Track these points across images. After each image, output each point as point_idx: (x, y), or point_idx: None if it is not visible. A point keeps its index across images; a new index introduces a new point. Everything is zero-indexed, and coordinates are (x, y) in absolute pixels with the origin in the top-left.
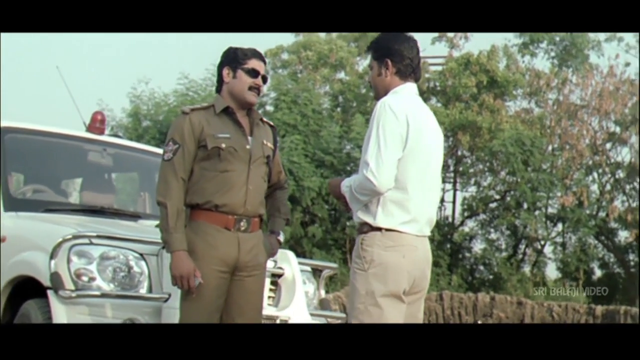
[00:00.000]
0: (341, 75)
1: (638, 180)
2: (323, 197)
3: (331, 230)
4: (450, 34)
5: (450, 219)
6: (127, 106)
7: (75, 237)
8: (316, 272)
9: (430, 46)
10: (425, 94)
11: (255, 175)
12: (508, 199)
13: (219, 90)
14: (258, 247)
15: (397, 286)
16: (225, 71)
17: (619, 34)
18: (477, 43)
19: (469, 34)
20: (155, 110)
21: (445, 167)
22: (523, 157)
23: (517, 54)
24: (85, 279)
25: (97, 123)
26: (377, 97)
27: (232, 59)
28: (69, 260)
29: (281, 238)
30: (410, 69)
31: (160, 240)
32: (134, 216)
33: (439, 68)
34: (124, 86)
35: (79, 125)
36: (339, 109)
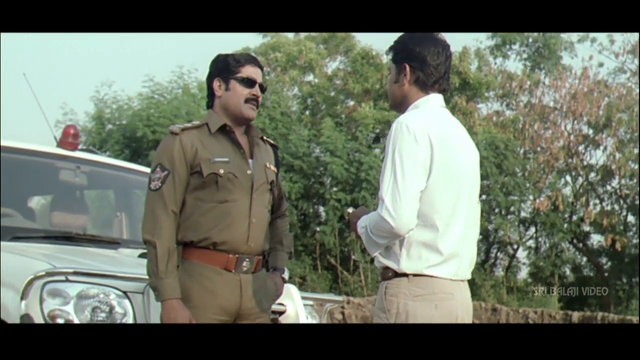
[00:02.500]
0: (310, 77)
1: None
2: (292, 202)
3: (301, 237)
4: None
5: None
6: (91, 110)
7: (49, 274)
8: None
9: None
10: None
11: (258, 206)
12: (479, 203)
13: (210, 105)
14: (262, 291)
15: None
16: (216, 83)
17: (592, 34)
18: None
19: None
20: (119, 114)
21: None
22: (497, 161)
23: (489, 56)
24: (60, 321)
25: (69, 138)
26: (393, 106)
27: (223, 68)
28: (41, 301)
29: (286, 276)
30: (433, 79)
31: (146, 276)
32: (113, 243)
33: None
34: (88, 89)
35: (47, 137)
36: (307, 112)
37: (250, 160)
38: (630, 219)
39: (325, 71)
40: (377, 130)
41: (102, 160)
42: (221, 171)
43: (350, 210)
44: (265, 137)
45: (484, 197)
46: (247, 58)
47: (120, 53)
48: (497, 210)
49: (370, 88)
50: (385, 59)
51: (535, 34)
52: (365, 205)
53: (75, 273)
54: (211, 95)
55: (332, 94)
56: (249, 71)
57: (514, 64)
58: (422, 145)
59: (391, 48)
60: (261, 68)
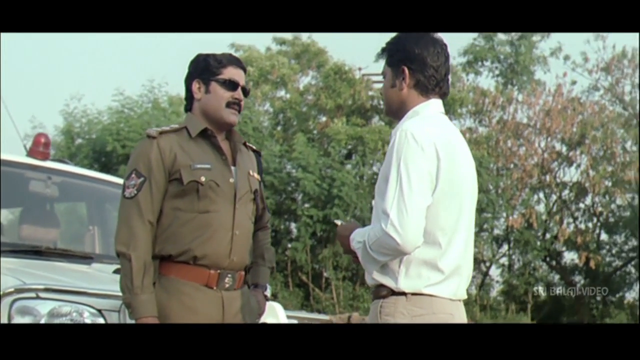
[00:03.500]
0: (282, 92)
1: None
2: None
3: None
4: None
5: None
6: (61, 123)
7: (17, 290)
8: None
9: (373, 63)
10: (368, 112)
11: (241, 217)
12: None
13: (189, 109)
14: (245, 308)
15: None
16: (195, 85)
17: (565, 52)
18: None
19: None
20: (89, 128)
21: None
22: None
23: (461, 72)
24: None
25: (40, 147)
26: (388, 112)
27: (203, 68)
28: (10, 319)
29: (268, 293)
30: (434, 82)
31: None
32: (85, 258)
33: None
34: (57, 102)
35: (17, 147)
36: (279, 128)
37: (232, 168)
38: (604, 237)
39: (297, 86)
40: (350, 146)
41: (75, 171)
42: (202, 179)
43: (339, 222)
44: (247, 143)
45: None
46: (229, 59)
47: (90, 66)
48: None
49: (343, 104)
50: (359, 72)
51: (507, 49)
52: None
53: (47, 290)
54: (190, 97)
55: (304, 109)
56: (231, 73)
57: (487, 81)
58: (429, 156)
59: (385, 50)
60: (244, 70)
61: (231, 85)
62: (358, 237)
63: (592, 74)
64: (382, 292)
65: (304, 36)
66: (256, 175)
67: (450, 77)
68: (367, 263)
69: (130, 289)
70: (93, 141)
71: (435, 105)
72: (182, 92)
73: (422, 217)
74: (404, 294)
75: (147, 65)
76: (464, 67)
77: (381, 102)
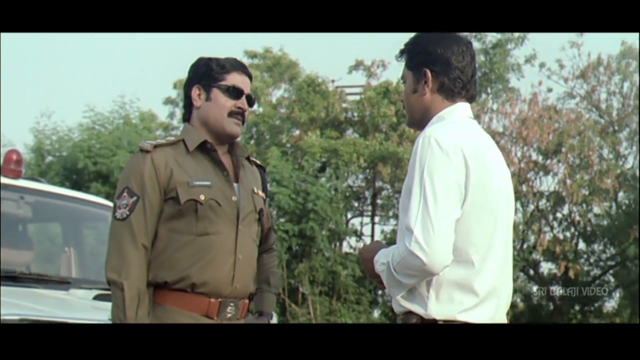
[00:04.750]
0: (254, 106)
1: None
2: None
3: None
4: (368, 62)
5: None
6: (30, 141)
7: None
8: None
9: (346, 75)
10: (342, 125)
11: (245, 239)
12: None
13: (187, 118)
14: None
15: None
16: (195, 91)
17: (540, 59)
18: (395, 71)
19: (386, 61)
20: (59, 145)
21: (363, 199)
22: None
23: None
24: None
25: (11, 164)
26: (412, 122)
27: (205, 73)
28: None
29: (274, 321)
30: (461, 84)
31: (105, 322)
32: (63, 283)
33: (357, 97)
34: (27, 120)
35: None
36: (252, 142)
37: (235, 185)
38: (582, 245)
39: (270, 100)
40: (324, 160)
41: (48, 190)
42: (202, 197)
43: (361, 244)
44: (251, 158)
45: None
46: (233, 64)
47: (60, 83)
48: None
49: (317, 116)
50: (333, 85)
51: (482, 58)
52: (313, 236)
53: (23, 322)
54: (188, 105)
55: (277, 122)
56: (235, 79)
57: None
58: (456, 164)
59: (404, 51)
60: (250, 77)
61: (235, 92)
62: (382, 259)
63: (568, 82)
64: (411, 319)
65: (276, 49)
66: (261, 193)
67: (477, 78)
68: (392, 287)
69: (123, 321)
70: (64, 158)
71: (462, 109)
72: (154, 108)
73: (450, 233)
74: (435, 321)
75: (118, 80)
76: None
77: (355, 114)
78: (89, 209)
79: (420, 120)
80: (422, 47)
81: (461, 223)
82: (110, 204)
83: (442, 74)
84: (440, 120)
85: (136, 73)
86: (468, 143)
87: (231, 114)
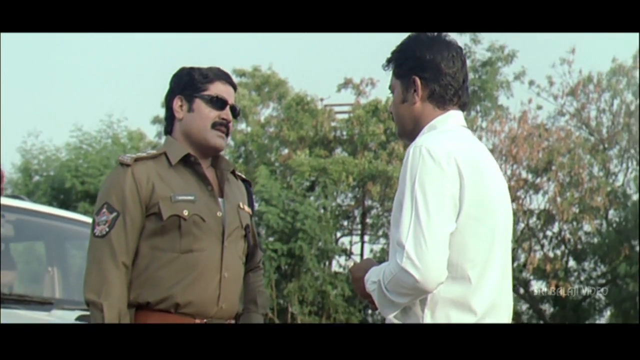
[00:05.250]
0: (243, 125)
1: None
2: None
3: None
4: (357, 80)
5: None
6: (18, 161)
7: None
8: None
9: (335, 93)
10: (331, 143)
11: (231, 256)
12: None
13: (169, 130)
14: None
15: None
16: (176, 102)
17: (529, 77)
18: (384, 89)
19: (375, 79)
20: (47, 164)
21: (352, 217)
22: None
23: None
24: None
25: None
26: (402, 133)
27: (187, 83)
28: None
29: None
30: (452, 91)
31: None
32: (45, 303)
33: (346, 116)
34: (14, 139)
35: None
36: (241, 161)
37: (220, 200)
38: (572, 263)
39: (259, 118)
40: (313, 178)
41: (31, 208)
42: (185, 212)
43: (351, 263)
44: (237, 171)
45: None
46: (217, 73)
47: (47, 102)
48: None
49: (305, 135)
50: (322, 103)
51: (471, 76)
52: (302, 255)
53: None
54: (170, 117)
55: (266, 141)
56: (218, 89)
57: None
58: (449, 175)
59: (391, 60)
60: (234, 87)
61: (218, 103)
62: (372, 277)
63: (558, 99)
64: None
65: (264, 67)
66: (247, 208)
67: (468, 84)
68: (384, 307)
69: None
70: (51, 178)
71: (455, 117)
72: (142, 127)
73: (444, 247)
74: None
75: (106, 99)
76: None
77: (344, 133)
78: (73, 227)
79: (411, 131)
80: (410, 53)
81: (456, 237)
82: None
83: (432, 80)
84: (432, 129)
85: (124, 92)
86: (462, 152)
87: (215, 126)
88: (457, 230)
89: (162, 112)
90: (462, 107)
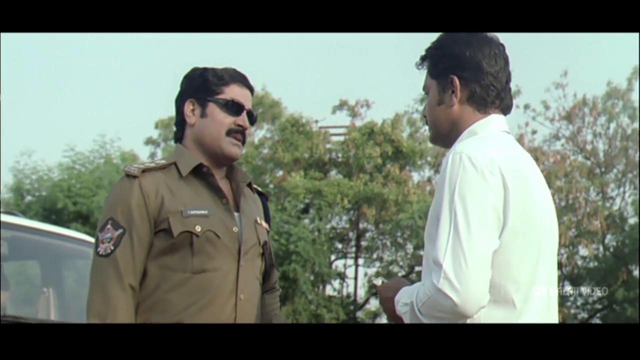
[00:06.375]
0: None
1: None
2: None
3: None
4: (352, 102)
5: (353, 297)
6: (10, 181)
7: None
8: None
9: (330, 115)
10: (326, 165)
11: (247, 276)
12: (414, 274)
13: (179, 137)
14: None
15: None
16: (188, 106)
17: (525, 101)
18: (379, 111)
19: (370, 100)
20: (39, 184)
21: (346, 240)
22: None
23: (420, 122)
24: None
25: None
26: (436, 138)
27: (200, 86)
28: None
29: None
30: (494, 92)
31: None
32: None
33: (341, 138)
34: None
35: None
36: None
37: (236, 214)
38: (568, 288)
39: (252, 140)
40: (307, 201)
41: (26, 224)
42: (198, 228)
43: (379, 281)
44: (253, 184)
45: (417, 268)
46: (232, 75)
47: (40, 122)
48: None
49: (300, 157)
50: (317, 125)
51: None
52: (296, 278)
53: None
54: (181, 122)
55: (260, 163)
56: (234, 92)
57: None
58: (493, 185)
59: (426, 57)
60: (251, 90)
61: (234, 108)
62: (404, 299)
63: (554, 123)
64: None
65: (258, 88)
66: (264, 224)
67: (511, 85)
68: None
69: None
70: (43, 198)
71: (496, 121)
72: (135, 148)
73: (487, 267)
74: None
75: (99, 120)
76: (422, 117)
77: (339, 155)
78: (69, 245)
79: (447, 136)
80: (448, 51)
81: (499, 255)
82: (93, 240)
83: (472, 80)
84: (472, 134)
85: (117, 112)
86: (506, 160)
87: (230, 133)
88: (500, 248)
89: (155, 134)
90: (505, 110)
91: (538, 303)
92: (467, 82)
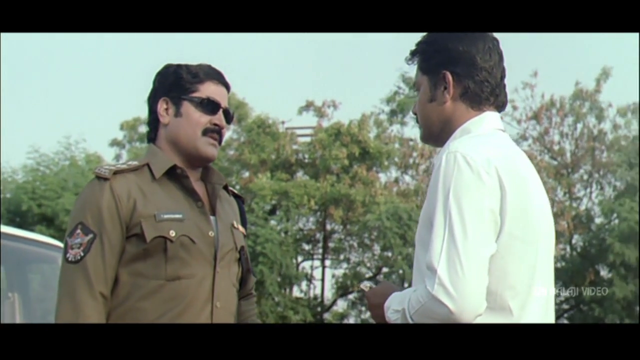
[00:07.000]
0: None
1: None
2: None
3: None
4: (318, 103)
5: (320, 299)
6: None
7: None
8: None
9: (297, 116)
10: (293, 167)
11: (223, 283)
12: (381, 275)
13: (152, 138)
14: None
15: None
16: (161, 105)
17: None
18: (346, 111)
19: (337, 101)
20: (3, 187)
21: (314, 242)
22: (400, 232)
23: (387, 123)
24: None
25: None
26: (428, 137)
27: (173, 83)
28: None
29: None
30: (489, 89)
31: None
32: None
33: (308, 139)
34: None
35: None
36: None
37: (212, 218)
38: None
39: None
40: (274, 202)
41: None
42: (172, 233)
43: (366, 285)
44: (229, 187)
45: (385, 269)
46: (207, 71)
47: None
48: (403, 284)
49: (267, 158)
50: (283, 126)
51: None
52: (262, 280)
53: None
54: (154, 122)
55: (226, 164)
56: (210, 90)
57: (413, 131)
58: (489, 186)
59: (417, 52)
60: (227, 87)
61: (210, 106)
62: (394, 305)
63: (521, 123)
64: None
65: None
66: (241, 228)
67: (506, 82)
68: None
69: None
70: (7, 200)
71: (491, 119)
72: (100, 150)
73: (484, 273)
74: None
75: (64, 121)
76: (389, 117)
77: (306, 156)
78: (34, 249)
79: (439, 134)
80: (441, 45)
81: (496, 260)
82: (59, 243)
83: (465, 76)
84: (466, 133)
85: (82, 113)
86: (503, 161)
87: (206, 132)
88: (497, 253)
89: (120, 135)
90: (500, 107)
91: (535, 310)
92: (460, 78)
